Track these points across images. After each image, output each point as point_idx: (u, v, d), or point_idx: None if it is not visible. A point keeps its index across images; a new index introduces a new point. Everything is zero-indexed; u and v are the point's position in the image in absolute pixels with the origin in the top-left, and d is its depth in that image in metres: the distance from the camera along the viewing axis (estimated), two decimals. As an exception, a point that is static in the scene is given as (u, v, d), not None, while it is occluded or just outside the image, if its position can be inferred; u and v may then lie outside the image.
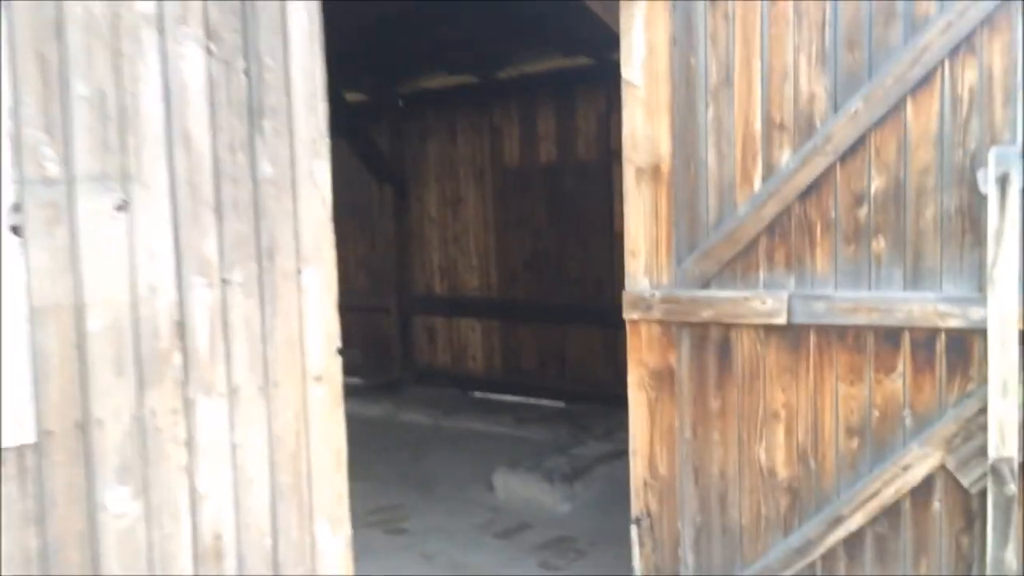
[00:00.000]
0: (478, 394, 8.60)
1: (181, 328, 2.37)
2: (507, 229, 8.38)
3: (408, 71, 8.68)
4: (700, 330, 3.36)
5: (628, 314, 3.49)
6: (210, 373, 2.43)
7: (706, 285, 3.34)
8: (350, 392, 8.16)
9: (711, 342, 3.35)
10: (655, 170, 3.42)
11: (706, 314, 3.31)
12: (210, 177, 2.42)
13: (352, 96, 8.90)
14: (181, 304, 2.37)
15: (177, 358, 2.37)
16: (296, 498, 2.69)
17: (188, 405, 2.40)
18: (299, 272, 2.59)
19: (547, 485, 5.37)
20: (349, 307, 9.04)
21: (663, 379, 3.46)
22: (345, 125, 8.65)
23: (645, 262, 3.45)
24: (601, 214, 7.56)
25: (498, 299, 8.48)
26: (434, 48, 7.78)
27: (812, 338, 3.14)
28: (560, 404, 8.00)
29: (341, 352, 2.74)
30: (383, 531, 5.21)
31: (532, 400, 8.21)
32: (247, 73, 2.48)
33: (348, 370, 8.63)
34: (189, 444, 2.41)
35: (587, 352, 7.94)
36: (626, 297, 3.48)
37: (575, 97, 7.86)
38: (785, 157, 3.14)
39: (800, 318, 3.12)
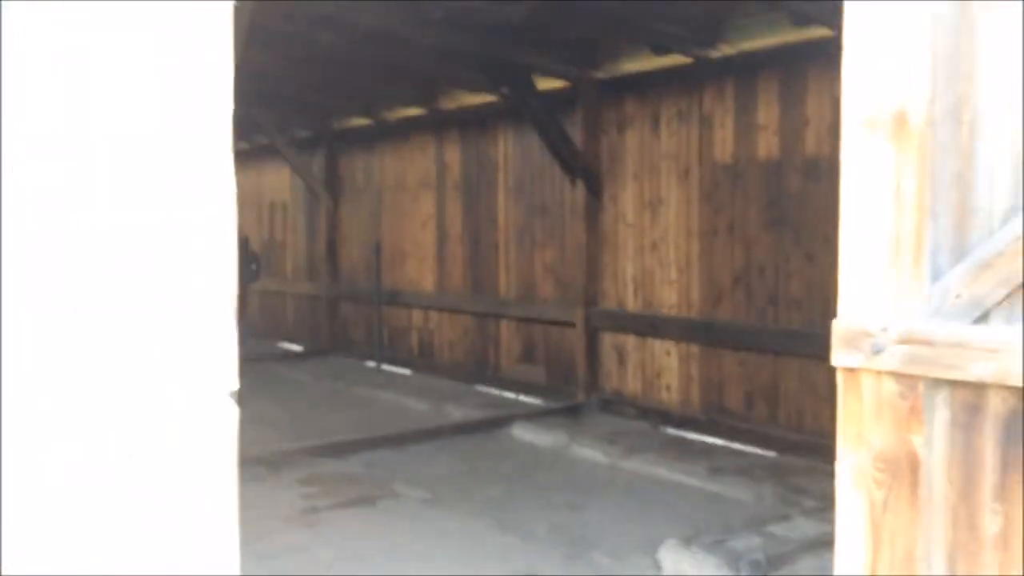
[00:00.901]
0: (670, 430, 7.26)
1: None
2: (714, 237, 7.01)
3: (608, 52, 7.54)
4: (970, 394, 1.97)
5: (840, 358, 2.15)
6: None
7: (983, 318, 1.94)
8: (527, 415, 7.15)
9: (990, 417, 1.94)
10: (897, 122, 2.06)
11: (983, 368, 1.91)
12: None
13: (544, 83, 7.90)
14: None
15: None
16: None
17: None
18: None
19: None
20: (534, 319, 8.07)
21: (899, 472, 2.08)
22: (536, 115, 7.67)
23: (872, 275, 2.10)
24: (832, 221, 6.01)
25: (700, 320, 7.12)
26: (638, 21, 6.60)
27: None
28: (769, 454, 6.51)
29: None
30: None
31: (734, 445, 6.76)
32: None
33: (529, 390, 7.61)
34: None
35: (807, 391, 6.40)
36: (838, 331, 2.14)
37: (805, 78, 6.38)
38: None
39: None
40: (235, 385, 1.40)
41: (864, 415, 2.10)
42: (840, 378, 2.16)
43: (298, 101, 10.36)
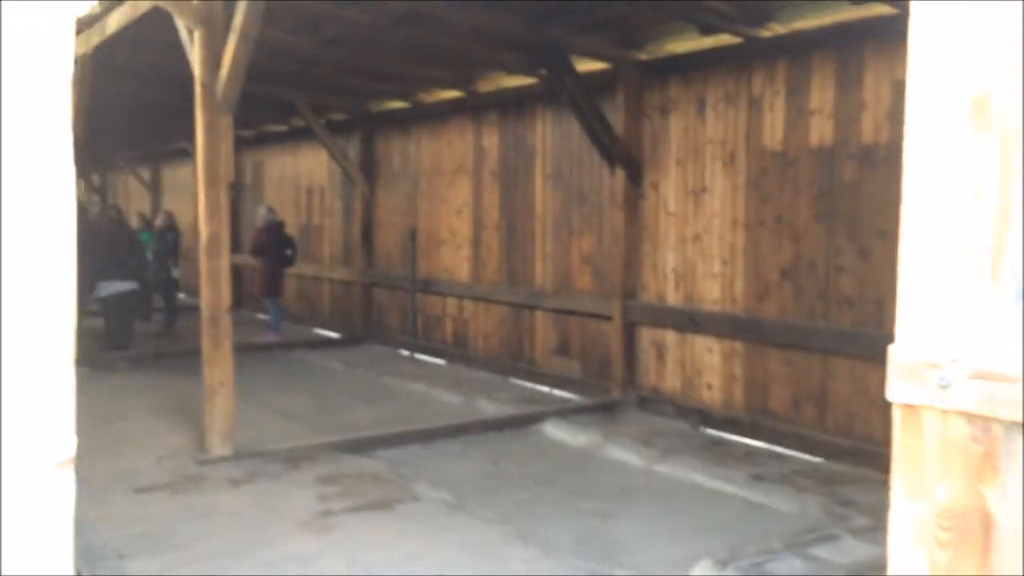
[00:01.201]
0: (710, 432, 6.89)
1: None
2: (761, 228, 6.60)
3: (651, 32, 7.14)
4: (1060, 443, 1.59)
5: (898, 392, 1.78)
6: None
7: (1079, 349, 1.56)
8: (559, 412, 6.83)
9: (1085, 472, 1.57)
10: (977, 108, 1.68)
11: (1078, 413, 1.54)
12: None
13: (584, 65, 7.52)
14: None
15: None
16: None
17: None
18: None
19: (768, 603, 3.67)
20: (570, 311, 7.76)
21: (968, 531, 1.72)
22: (574, 98, 7.31)
23: (940, 291, 1.74)
24: (889, 214, 5.59)
25: (744, 316, 6.72)
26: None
27: None
28: (815, 460, 6.11)
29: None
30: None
31: (778, 449, 6.38)
32: None
33: (564, 384, 7.31)
34: None
35: (858, 395, 5.99)
36: (895, 359, 1.78)
37: (862, 59, 5.93)
38: None
39: None
40: (70, 452, 1.10)
41: (927, 461, 1.74)
42: (897, 415, 1.80)
43: (334, 84, 10.10)
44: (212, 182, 5.71)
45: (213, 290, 5.77)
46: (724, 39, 6.73)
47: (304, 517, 4.86)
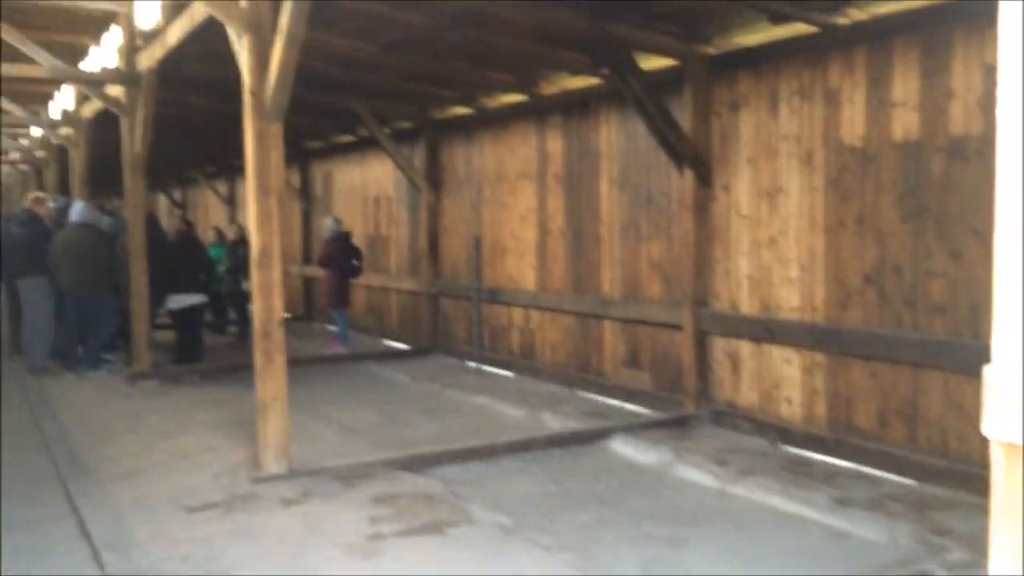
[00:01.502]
0: (790, 449, 6.45)
1: None
2: (842, 230, 6.14)
3: (718, 24, 6.75)
4: None
5: (998, 427, 1.44)
6: None
7: None
8: (628, 427, 6.47)
9: None
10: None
11: None
12: None
13: (648, 62, 7.17)
14: None
15: None
16: None
17: None
18: None
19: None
20: (639, 320, 7.39)
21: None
22: (639, 98, 6.97)
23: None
24: (983, 212, 5.08)
25: (825, 325, 6.26)
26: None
27: None
28: (905, 482, 5.62)
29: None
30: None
31: (864, 469, 5.90)
32: None
33: (634, 397, 6.94)
34: None
35: (953, 410, 5.48)
36: (992, 386, 1.43)
37: (950, 45, 5.43)
38: None
39: None
40: None
41: (1039, 519, 1.38)
42: (998, 454, 1.44)
43: (396, 91, 9.98)
44: (262, 192, 5.57)
45: (264, 303, 5.63)
46: (797, 28, 6.31)
47: (352, 541, 4.63)
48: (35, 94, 14.02)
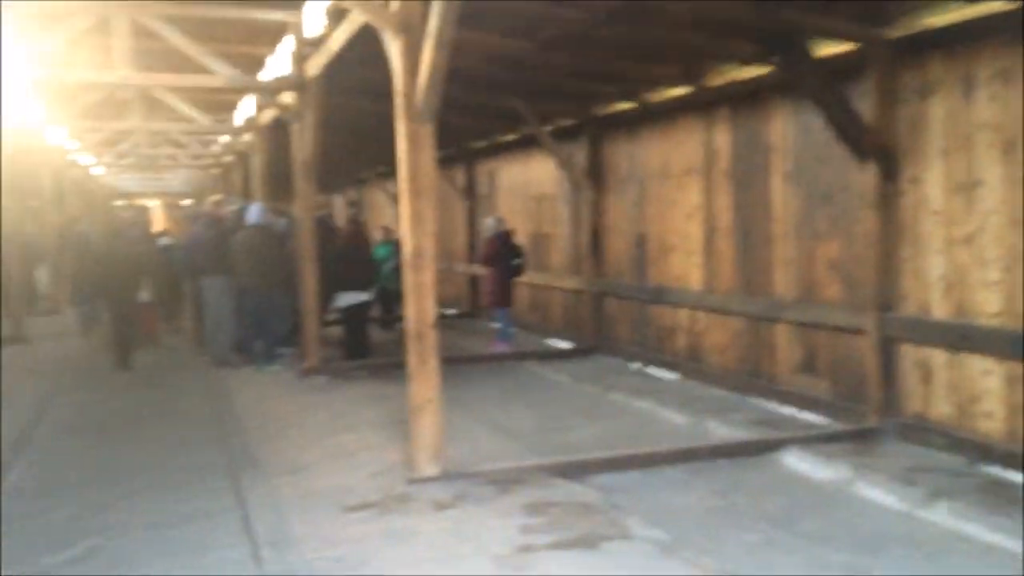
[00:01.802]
0: (990, 470, 5.78)
1: None
2: (1052, 226, 5.43)
3: (902, 5, 6.14)
4: None
5: None
6: None
7: None
8: (802, 439, 6.02)
9: None
10: None
11: None
12: None
13: (822, 49, 6.65)
14: None
15: None
16: None
17: None
18: None
19: None
20: (815, 324, 6.90)
21: None
22: (814, 87, 6.48)
23: None
24: None
25: (1031, 332, 5.56)
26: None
27: None
28: None
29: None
30: None
31: (1080, 497, 5.19)
32: None
33: (809, 405, 6.47)
34: None
35: None
36: None
37: None
38: None
39: None
40: None
41: None
42: None
43: (557, 88, 9.82)
44: (415, 194, 5.53)
45: (417, 304, 5.58)
46: (995, 6, 5.63)
47: (501, 551, 4.49)
48: (223, 103, 14.89)
